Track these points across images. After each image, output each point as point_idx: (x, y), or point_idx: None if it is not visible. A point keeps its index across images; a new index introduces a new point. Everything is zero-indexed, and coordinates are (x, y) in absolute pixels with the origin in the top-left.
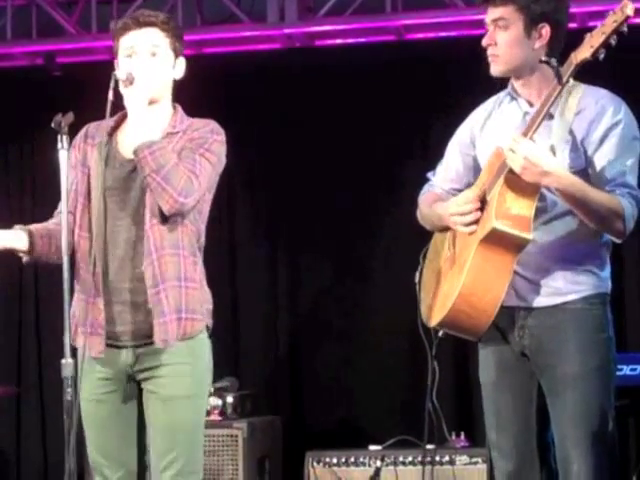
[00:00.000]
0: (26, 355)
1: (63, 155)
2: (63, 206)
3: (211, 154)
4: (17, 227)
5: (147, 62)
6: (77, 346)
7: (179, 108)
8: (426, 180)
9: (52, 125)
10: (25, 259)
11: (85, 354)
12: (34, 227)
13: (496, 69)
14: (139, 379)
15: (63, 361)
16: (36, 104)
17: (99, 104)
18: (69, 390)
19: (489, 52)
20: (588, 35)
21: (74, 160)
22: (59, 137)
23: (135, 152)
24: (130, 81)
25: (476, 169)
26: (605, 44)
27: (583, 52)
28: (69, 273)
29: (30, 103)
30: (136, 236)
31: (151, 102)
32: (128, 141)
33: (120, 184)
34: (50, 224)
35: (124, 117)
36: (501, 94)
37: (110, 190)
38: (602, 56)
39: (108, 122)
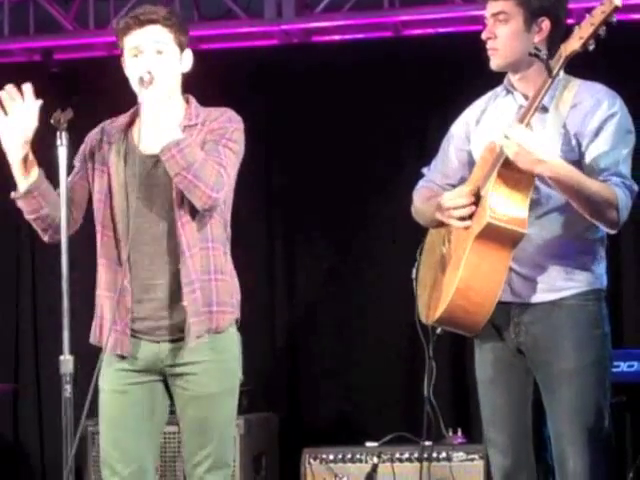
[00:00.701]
0: (24, 352)
1: (62, 152)
2: (62, 204)
3: (234, 143)
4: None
5: (155, 61)
6: (101, 344)
7: (192, 99)
8: (421, 175)
9: (51, 121)
10: (19, 192)
11: (115, 351)
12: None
13: (495, 62)
14: (169, 374)
15: (62, 357)
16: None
17: (97, 99)
18: (68, 387)
19: (488, 45)
20: (576, 27)
21: (82, 154)
22: (58, 134)
23: (162, 152)
24: (150, 81)
25: (471, 164)
26: (594, 35)
27: (572, 44)
28: (67, 270)
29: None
30: (164, 232)
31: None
32: (147, 138)
33: (142, 181)
34: (54, 192)
35: (137, 113)
36: (497, 89)
37: (132, 187)
38: (592, 47)
39: (123, 119)
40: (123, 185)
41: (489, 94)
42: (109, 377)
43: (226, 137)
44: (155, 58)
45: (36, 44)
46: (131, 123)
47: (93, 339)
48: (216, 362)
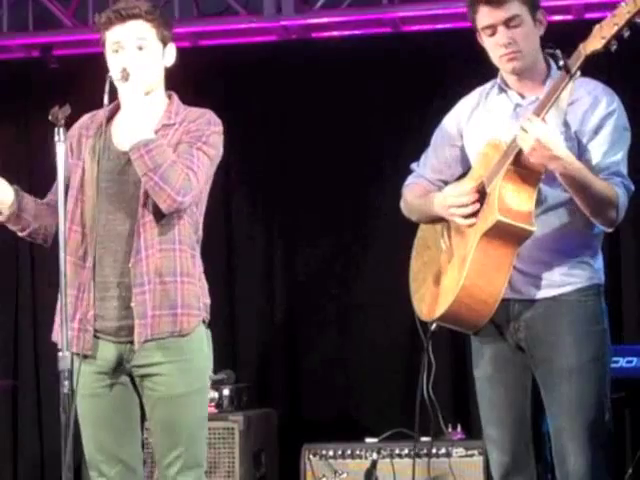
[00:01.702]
0: (23, 348)
1: (60, 148)
2: (60, 200)
3: (209, 147)
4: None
5: (136, 56)
6: (57, 341)
7: (174, 97)
8: (410, 171)
9: (49, 118)
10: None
11: (71, 349)
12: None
13: (518, 65)
14: (135, 375)
15: (60, 354)
16: (33, 97)
17: (96, 96)
18: (66, 383)
19: (508, 50)
20: (597, 26)
21: (68, 150)
22: (56, 130)
23: (131, 150)
24: (125, 77)
25: (462, 160)
26: (617, 35)
27: (593, 43)
28: (65, 266)
29: (27, 96)
30: (130, 230)
31: (145, 93)
32: (122, 134)
33: (114, 177)
34: (38, 202)
35: (118, 107)
36: (487, 85)
37: (104, 182)
38: (614, 47)
39: (102, 113)
40: (95, 180)
41: (479, 90)
42: (82, 381)
43: (202, 140)
44: (136, 54)
45: (35, 40)
46: (110, 118)
47: (54, 337)
48: (183, 362)
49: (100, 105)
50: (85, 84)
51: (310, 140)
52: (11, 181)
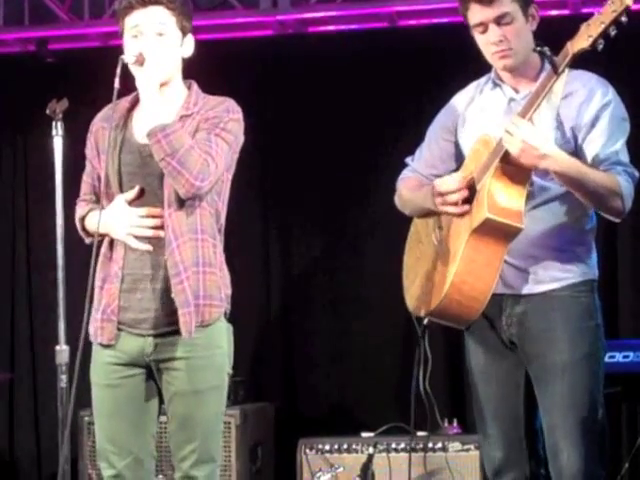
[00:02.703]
0: (19, 341)
1: (58, 142)
2: (57, 194)
3: (227, 133)
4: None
5: (154, 42)
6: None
7: (194, 86)
8: (405, 165)
9: (47, 112)
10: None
11: (96, 340)
12: None
13: (510, 62)
14: (155, 368)
15: (57, 347)
16: (29, 91)
17: (92, 90)
18: (63, 377)
19: (499, 48)
20: (584, 24)
21: (89, 146)
22: (53, 124)
23: (148, 136)
24: (141, 62)
25: (457, 155)
26: (604, 34)
27: (580, 42)
28: (63, 260)
29: (23, 90)
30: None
31: (162, 84)
32: (142, 125)
33: (137, 169)
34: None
35: (138, 99)
36: (481, 80)
37: (127, 175)
38: (601, 47)
39: (123, 103)
40: (118, 173)
41: (473, 84)
42: (99, 371)
43: (220, 127)
44: (155, 40)
45: (31, 34)
46: (131, 108)
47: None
48: (202, 358)
49: (96, 99)
50: (81, 78)
51: (305, 135)
52: (7, 175)
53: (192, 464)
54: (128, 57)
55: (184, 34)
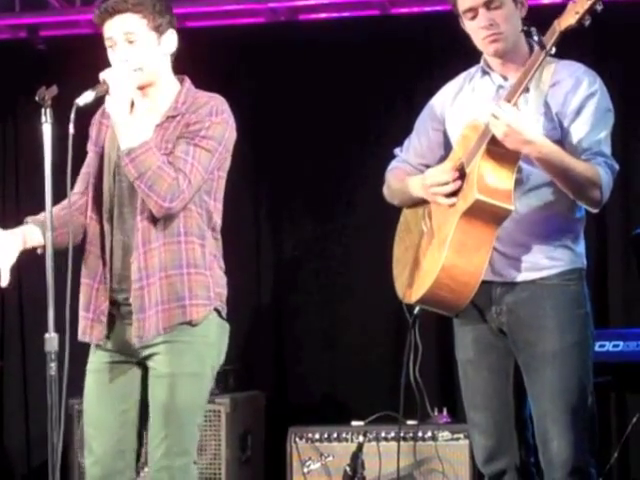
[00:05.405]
0: (9, 329)
1: (47, 129)
2: (47, 183)
3: (209, 140)
4: (29, 220)
5: (127, 51)
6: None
7: (186, 82)
8: (393, 156)
9: (36, 98)
10: (40, 251)
11: (85, 339)
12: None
13: (500, 47)
14: (142, 356)
15: (47, 335)
16: (20, 77)
17: (83, 77)
18: (52, 365)
19: (489, 32)
20: (571, 2)
21: (90, 138)
22: (43, 110)
23: (119, 158)
24: (106, 90)
25: (446, 144)
26: (590, 10)
27: (567, 19)
28: (52, 247)
29: (13, 76)
30: (135, 225)
31: (147, 85)
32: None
33: (123, 170)
34: (60, 209)
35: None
36: (472, 69)
37: (118, 175)
38: (588, 23)
39: None
40: (113, 169)
41: (463, 74)
42: (91, 358)
43: (200, 135)
44: (127, 49)
45: (22, 21)
46: (133, 105)
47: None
48: (181, 343)
49: (87, 86)
50: (72, 65)
51: (297, 122)
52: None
53: (163, 453)
54: (80, 100)
55: (160, 33)
